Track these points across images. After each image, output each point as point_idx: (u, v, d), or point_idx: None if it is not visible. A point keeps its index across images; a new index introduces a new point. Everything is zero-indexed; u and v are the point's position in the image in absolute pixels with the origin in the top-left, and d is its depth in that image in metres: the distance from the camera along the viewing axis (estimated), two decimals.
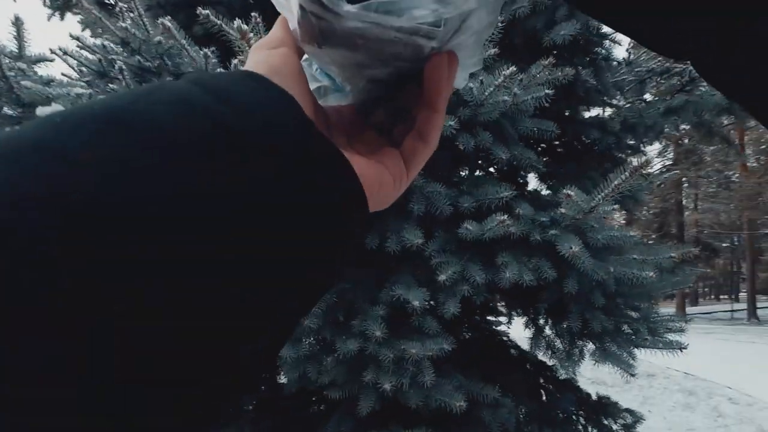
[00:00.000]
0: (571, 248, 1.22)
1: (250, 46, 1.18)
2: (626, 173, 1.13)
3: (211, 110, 0.15)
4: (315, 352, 1.38)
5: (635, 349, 1.74)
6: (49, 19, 2.90)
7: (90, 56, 1.66)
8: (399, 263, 1.46)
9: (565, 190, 1.21)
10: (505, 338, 2.48)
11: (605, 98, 2.43)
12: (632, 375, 1.60)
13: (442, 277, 1.27)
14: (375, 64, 0.23)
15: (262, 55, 0.21)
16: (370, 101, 0.26)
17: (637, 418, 2.14)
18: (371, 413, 1.34)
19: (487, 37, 0.24)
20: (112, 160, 0.13)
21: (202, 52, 1.42)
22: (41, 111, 1.28)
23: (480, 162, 1.66)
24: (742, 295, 24.91)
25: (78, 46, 1.66)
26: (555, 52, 1.96)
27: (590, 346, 1.75)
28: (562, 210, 1.29)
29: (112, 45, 1.73)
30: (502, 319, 2.31)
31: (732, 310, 16.52)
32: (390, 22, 0.19)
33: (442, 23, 0.20)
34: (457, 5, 0.20)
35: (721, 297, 29.20)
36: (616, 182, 1.17)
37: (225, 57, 1.63)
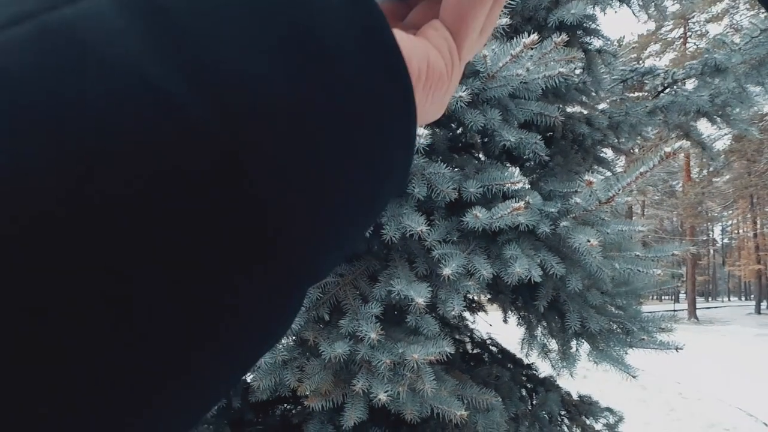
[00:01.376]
0: (588, 241, 1.10)
1: None
2: (656, 160, 1.02)
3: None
4: (294, 356, 1.18)
5: (629, 349, 1.68)
6: None
7: None
8: (392, 253, 1.29)
9: (586, 177, 1.08)
10: (486, 337, 2.39)
11: (594, 93, 2.39)
12: (633, 376, 1.53)
13: (446, 271, 1.11)
14: None
15: None
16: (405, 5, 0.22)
17: (619, 417, 2.11)
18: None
19: None
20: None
21: None
22: None
23: (484, 144, 1.52)
24: (682, 296, 26.90)
25: None
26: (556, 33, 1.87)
27: (585, 346, 1.67)
28: (577, 200, 1.17)
29: None
30: (492, 316, 2.22)
31: (674, 310, 17.73)
32: None
33: None
34: None
35: (664, 298, 31.36)
36: (641, 170, 1.06)
37: None
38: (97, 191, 0.09)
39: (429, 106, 0.19)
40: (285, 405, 1.74)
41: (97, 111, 0.09)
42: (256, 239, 0.11)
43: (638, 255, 1.48)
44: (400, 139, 0.16)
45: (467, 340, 2.37)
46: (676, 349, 1.60)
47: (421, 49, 0.17)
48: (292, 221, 0.12)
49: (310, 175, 0.12)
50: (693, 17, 17.64)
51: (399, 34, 0.17)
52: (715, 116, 2.81)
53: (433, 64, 0.18)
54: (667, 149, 1.00)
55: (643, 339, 1.61)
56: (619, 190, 1.13)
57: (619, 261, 1.42)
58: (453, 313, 1.12)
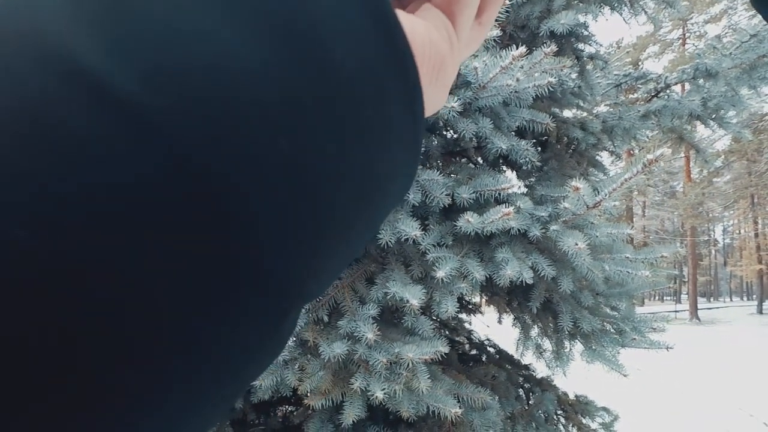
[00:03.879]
0: (576, 244, 1.15)
1: None
2: (638, 167, 1.07)
3: None
4: (295, 356, 1.23)
5: (621, 349, 1.72)
6: None
7: None
8: (389, 256, 1.33)
9: (573, 183, 1.13)
10: (483, 338, 2.43)
11: (588, 97, 2.43)
12: (625, 375, 1.57)
13: (440, 274, 1.16)
14: None
15: None
16: None
17: (615, 416, 2.15)
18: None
19: None
20: None
21: None
22: None
23: (476, 151, 1.57)
24: (684, 296, 26.83)
25: None
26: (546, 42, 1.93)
27: (578, 346, 1.71)
28: (565, 205, 1.22)
29: None
30: (488, 317, 2.25)
31: (675, 311, 17.70)
32: None
33: None
34: None
35: (665, 298, 31.31)
36: (626, 176, 1.11)
37: None
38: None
39: (434, 91, 0.17)
40: (286, 406, 1.78)
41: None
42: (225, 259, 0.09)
43: (628, 257, 1.53)
44: (406, 129, 0.13)
45: (465, 341, 2.41)
46: (667, 348, 1.65)
47: (422, 27, 0.16)
48: (275, 245, 0.10)
49: (294, 180, 0.10)
50: (691, 18, 17.71)
51: (399, 14, 0.15)
52: (708, 119, 2.85)
53: (436, 44, 0.16)
54: (650, 156, 1.05)
55: (635, 339, 1.65)
56: (605, 195, 1.18)
57: (609, 263, 1.46)
58: (447, 314, 1.17)
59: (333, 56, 0.11)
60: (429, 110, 0.17)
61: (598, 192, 1.18)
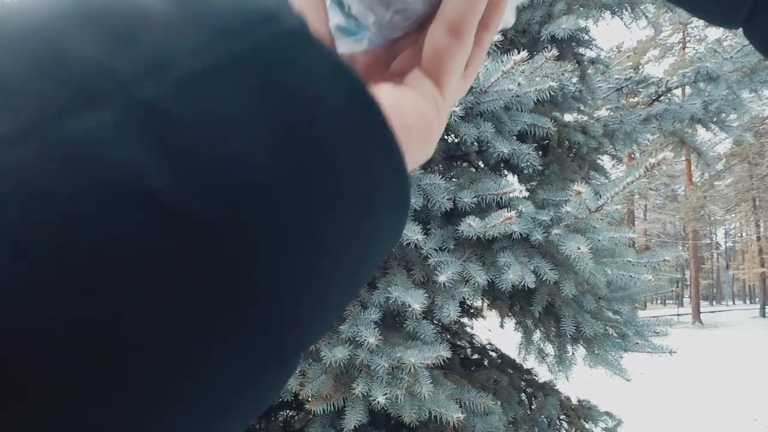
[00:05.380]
0: (579, 248, 1.15)
1: None
2: (640, 171, 1.07)
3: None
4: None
5: (623, 353, 1.71)
6: None
7: None
8: (390, 261, 1.33)
9: (575, 187, 1.13)
10: (485, 342, 2.43)
11: (589, 101, 2.44)
12: (627, 380, 1.56)
13: (442, 278, 1.16)
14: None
15: None
16: (391, 42, 0.22)
17: (618, 421, 2.14)
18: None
19: None
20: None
21: None
22: None
23: (477, 155, 1.57)
24: (686, 300, 26.73)
25: None
26: (547, 47, 1.93)
27: (581, 350, 1.70)
28: (567, 209, 1.22)
29: None
30: (490, 322, 2.25)
31: (678, 315, 17.63)
32: None
33: None
34: None
35: (668, 302, 31.20)
36: (628, 179, 1.11)
37: None
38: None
39: (422, 151, 0.19)
40: (287, 411, 1.78)
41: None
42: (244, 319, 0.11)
43: (630, 261, 1.53)
44: (394, 203, 0.15)
45: (467, 345, 2.40)
46: (670, 352, 1.64)
47: (410, 100, 0.18)
48: (280, 301, 0.12)
49: (295, 251, 0.12)
50: (692, 22, 17.75)
51: (387, 88, 0.17)
52: (709, 123, 2.85)
53: (424, 116, 0.18)
54: (651, 160, 1.05)
55: (637, 343, 1.64)
56: (607, 199, 1.18)
57: (611, 267, 1.46)
58: (448, 318, 1.17)
59: (325, 150, 0.13)
60: (416, 165, 0.19)
61: (600, 196, 1.18)
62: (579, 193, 1.13)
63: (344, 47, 0.22)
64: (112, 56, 0.10)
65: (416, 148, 0.18)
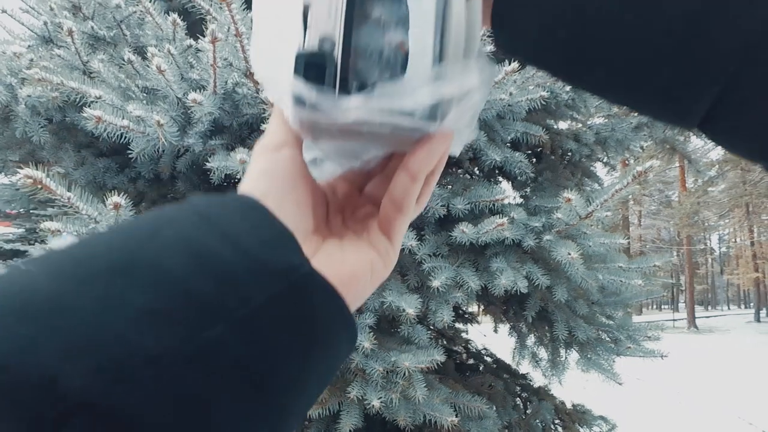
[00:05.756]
0: (569, 254, 1.18)
1: (231, 11, 1.05)
2: (629, 179, 1.10)
3: (217, 258, 0.17)
4: None
5: (615, 357, 1.74)
6: None
7: (33, 19, 1.45)
8: None
9: (565, 194, 1.16)
10: (481, 347, 2.44)
11: (582, 109, 2.48)
12: (619, 383, 1.58)
13: (435, 283, 1.18)
14: (371, 148, 0.24)
15: (265, 162, 0.23)
16: (363, 174, 0.27)
17: (612, 426, 2.15)
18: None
19: (481, 108, 0.23)
20: (126, 314, 0.15)
21: (170, 19, 1.26)
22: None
23: (471, 162, 1.60)
24: (681, 305, 26.83)
25: (21, 9, 1.45)
26: None
27: (574, 354, 1.72)
28: (558, 215, 1.25)
29: (57, 10, 1.53)
30: (485, 327, 2.27)
31: (673, 319, 17.70)
32: (391, 105, 0.19)
33: (440, 104, 0.20)
34: (459, 84, 0.19)
35: (663, 307, 31.31)
36: (616, 187, 1.14)
37: (191, 28, 1.47)
38: None
39: (367, 293, 0.24)
40: None
41: None
42: None
43: (621, 266, 1.55)
44: (344, 350, 0.21)
45: (462, 350, 2.42)
46: (662, 356, 1.66)
47: (368, 271, 0.23)
48: None
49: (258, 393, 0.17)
50: None
51: (352, 256, 0.23)
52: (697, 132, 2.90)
53: (377, 274, 0.24)
54: (639, 168, 1.08)
55: (630, 347, 1.67)
56: (597, 206, 1.21)
57: (602, 272, 1.49)
58: (443, 323, 1.19)
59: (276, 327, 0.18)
60: (362, 301, 0.24)
61: (591, 202, 1.21)
62: (569, 200, 1.16)
63: (327, 172, 0.26)
64: None
65: (364, 291, 0.24)
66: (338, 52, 0.18)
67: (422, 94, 0.19)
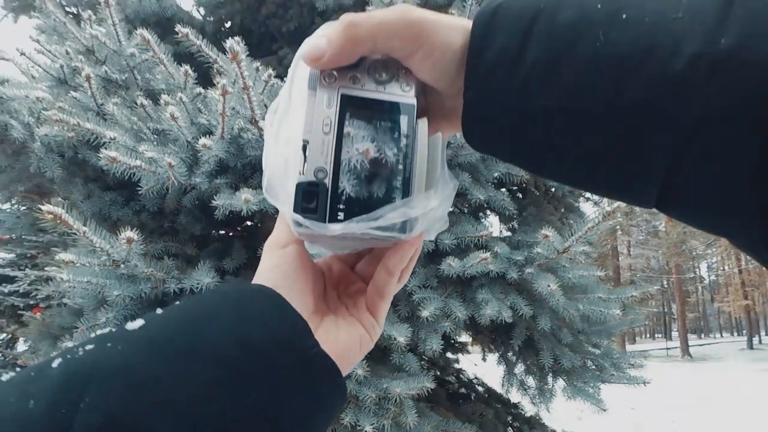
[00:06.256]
0: (549, 286, 1.27)
1: (240, 67, 1.18)
2: (600, 217, 1.22)
3: (259, 346, 0.24)
4: None
5: (601, 384, 1.80)
6: None
7: (50, 62, 1.57)
8: None
9: (543, 231, 1.27)
10: (472, 376, 2.48)
11: None
12: (603, 410, 1.64)
13: (425, 313, 1.27)
14: (357, 245, 0.30)
15: (275, 258, 0.29)
16: (354, 254, 0.33)
17: None
18: None
19: (446, 213, 0.29)
20: (190, 385, 0.21)
21: (182, 69, 1.38)
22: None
23: (458, 199, 1.72)
24: (674, 333, 26.72)
25: (36, 50, 1.57)
26: None
27: (560, 382, 1.78)
28: (538, 250, 1.35)
29: (73, 54, 1.66)
30: (474, 356, 2.31)
31: (667, 348, 17.64)
32: (369, 226, 0.24)
33: (409, 221, 0.25)
34: (423, 207, 0.25)
35: (656, 335, 31.19)
36: (589, 225, 1.25)
37: (200, 79, 1.59)
38: None
39: (356, 361, 0.30)
40: None
41: None
42: None
43: (601, 296, 1.65)
44: (337, 398, 0.26)
45: (454, 379, 2.45)
46: (644, 383, 1.73)
47: (357, 335, 0.29)
48: None
49: None
50: None
51: (344, 334, 0.28)
52: None
53: (364, 342, 0.29)
54: (608, 208, 1.19)
55: (614, 374, 1.74)
56: (573, 242, 1.32)
57: (583, 302, 1.58)
58: (432, 351, 1.26)
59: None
60: (352, 367, 0.30)
61: (567, 238, 1.32)
62: (546, 236, 1.26)
63: (317, 251, 0.32)
64: None
65: (355, 360, 0.29)
66: (329, 181, 0.24)
67: (393, 217, 0.24)
